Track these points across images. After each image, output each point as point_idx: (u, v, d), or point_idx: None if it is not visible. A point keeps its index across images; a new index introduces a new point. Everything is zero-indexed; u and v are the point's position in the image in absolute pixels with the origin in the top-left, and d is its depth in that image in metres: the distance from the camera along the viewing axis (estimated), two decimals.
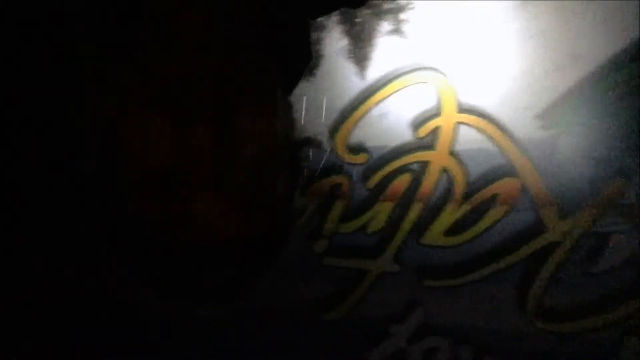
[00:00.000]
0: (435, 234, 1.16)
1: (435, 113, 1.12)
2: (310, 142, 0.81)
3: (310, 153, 1.10)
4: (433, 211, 1.16)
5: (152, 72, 0.53)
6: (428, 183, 1.15)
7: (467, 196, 1.14)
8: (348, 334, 1.17)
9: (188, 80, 0.50)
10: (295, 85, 0.64)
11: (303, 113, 1.09)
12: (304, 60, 0.67)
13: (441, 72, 1.10)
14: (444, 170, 1.14)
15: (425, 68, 1.10)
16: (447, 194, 1.15)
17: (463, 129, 1.12)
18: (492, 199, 1.14)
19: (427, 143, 1.13)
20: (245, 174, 0.52)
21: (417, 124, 1.13)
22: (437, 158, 1.13)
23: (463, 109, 1.11)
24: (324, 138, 1.13)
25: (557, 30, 1.07)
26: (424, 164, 1.14)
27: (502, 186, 1.13)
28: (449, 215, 1.15)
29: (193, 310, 1.06)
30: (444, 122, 1.12)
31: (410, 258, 1.16)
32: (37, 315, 1.12)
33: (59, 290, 1.11)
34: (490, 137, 1.12)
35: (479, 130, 1.12)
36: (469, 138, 1.12)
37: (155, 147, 0.51)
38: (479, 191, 1.14)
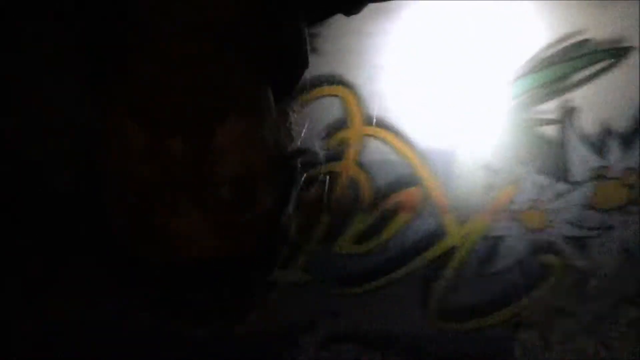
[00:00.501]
0: (345, 242, 1.19)
1: (344, 125, 1.15)
2: (305, 152, 0.80)
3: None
4: (342, 220, 1.19)
5: (132, 83, 0.50)
6: (337, 193, 1.17)
7: (374, 205, 1.19)
8: (259, 345, 1.17)
9: (169, 91, 0.48)
10: (289, 93, 0.62)
11: None
12: (297, 67, 0.65)
13: (350, 86, 1.13)
14: (352, 180, 1.17)
15: (333, 81, 1.13)
16: (355, 204, 1.18)
17: (370, 141, 1.16)
18: (397, 207, 1.19)
19: (335, 154, 1.16)
20: (229, 189, 0.50)
21: (326, 135, 1.15)
22: (345, 168, 1.16)
23: (370, 122, 1.15)
24: None
25: (461, 44, 1.14)
26: (333, 175, 1.17)
27: (406, 195, 1.19)
28: (358, 224, 1.19)
29: (184, 329, 1.04)
30: (351, 134, 1.15)
31: (321, 268, 1.19)
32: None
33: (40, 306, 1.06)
34: (395, 149, 1.16)
35: (385, 141, 1.16)
36: (376, 149, 1.17)
37: (135, 160, 0.49)
38: (385, 199, 1.19)
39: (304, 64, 0.65)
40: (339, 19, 1.11)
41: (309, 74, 1.12)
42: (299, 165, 0.57)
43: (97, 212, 0.52)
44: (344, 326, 1.20)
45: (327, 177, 1.16)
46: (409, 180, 1.18)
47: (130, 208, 0.50)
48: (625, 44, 1.18)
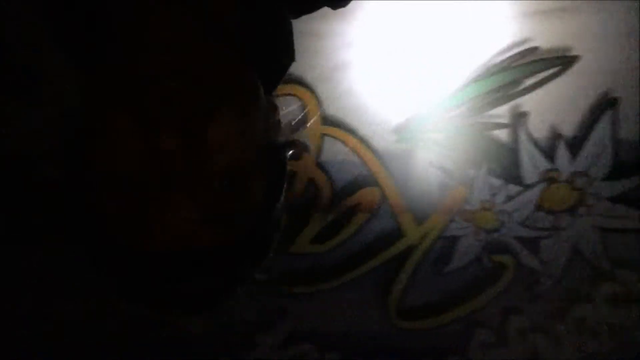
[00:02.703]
0: (302, 242, 1.25)
1: (301, 125, 1.21)
2: (294, 144, 0.83)
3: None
4: (300, 220, 1.24)
5: (119, 72, 0.54)
6: (295, 193, 1.23)
7: (332, 205, 1.25)
8: (216, 345, 1.21)
9: (158, 81, 0.52)
10: (276, 85, 0.66)
11: None
12: (283, 59, 0.68)
13: (306, 85, 1.20)
14: (310, 180, 1.23)
15: (291, 80, 1.19)
16: (313, 203, 1.24)
17: (328, 141, 1.23)
18: (355, 208, 1.26)
19: (294, 154, 1.22)
20: (221, 181, 0.53)
21: (283, 134, 1.21)
22: (303, 168, 1.23)
23: (328, 122, 1.22)
24: None
25: (414, 47, 1.22)
26: (291, 175, 1.22)
27: (364, 195, 1.26)
28: (316, 224, 1.25)
29: (173, 320, 1.05)
30: (309, 133, 1.22)
31: (279, 267, 1.24)
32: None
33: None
34: (353, 149, 1.23)
35: (343, 142, 1.23)
36: (334, 149, 1.23)
37: (127, 156, 0.52)
38: (343, 200, 1.25)
39: (290, 56, 0.70)
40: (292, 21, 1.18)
41: None
42: (289, 157, 0.60)
43: (83, 206, 0.54)
44: (302, 326, 1.25)
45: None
46: (366, 181, 1.25)
47: (123, 203, 0.52)
48: (572, 53, 1.28)
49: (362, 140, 1.23)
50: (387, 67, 1.21)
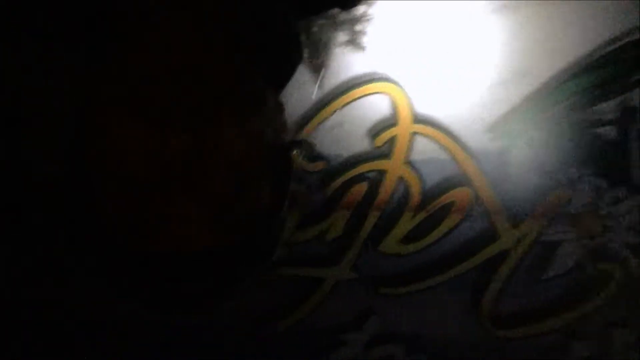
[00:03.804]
0: (391, 242, 1.24)
1: (392, 123, 1.21)
2: (301, 144, 0.85)
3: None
4: (389, 219, 1.24)
5: (127, 72, 0.55)
6: (384, 191, 1.23)
7: (422, 205, 1.23)
8: (303, 343, 1.24)
9: (165, 81, 0.52)
10: (283, 86, 0.66)
11: None
12: (292, 59, 0.69)
13: (397, 83, 1.19)
14: (400, 179, 1.23)
15: (381, 79, 1.19)
16: (403, 203, 1.24)
17: (418, 139, 1.22)
18: (446, 208, 1.24)
19: (383, 152, 1.22)
20: (224, 181, 0.54)
21: (374, 133, 1.22)
22: (393, 167, 1.22)
23: (418, 120, 1.21)
24: None
25: (507, 44, 1.18)
26: (381, 173, 1.23)
27: (456, 195, 1.23)
28: (405, 224, 1.24)
29: (169, 318, 1.10)
30: (399, 131, 1.21)
31: (367, 266, 1.24)
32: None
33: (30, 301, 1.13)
34: (444, 147, 1.22)
35: (434, 140, 1.21)
36: (424, 148, 1.22)
37: (129, 151, 0.53)
38: (434, 200, 1.23)
39: (297, 58, 0.69)
40: (385, 17, 1.18)
41: (354, 71, 1.19)
42: (297, 157, 0.60)
43: (84, 206, 0.55)
44: (389, 327, 1.25)
45: (374, 175, 1.22)
46: (458, 181, 1.23)
47: (124, 202, 0.53)
48: None
49: (455, 138, 1.21)
50: (480, 61, 1.18)
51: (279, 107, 0.63)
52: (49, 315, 1.17)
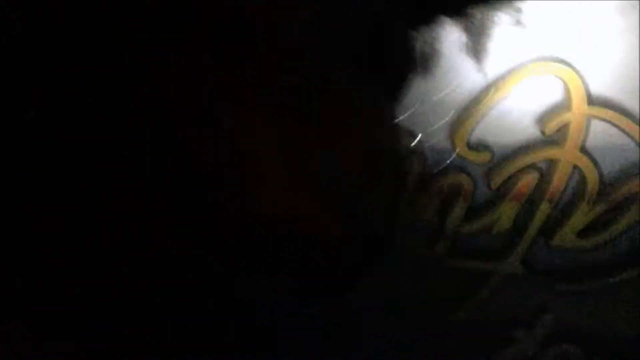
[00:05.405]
0: (567, 235, 1.19)
1: (564, 107, 1.16)
2: (415, 153, 0.88)
3: (429, 152, 1.18)
4: (564, 211, 1.19)
5: (259, 81, 0.64)
6: (557, 182, 1.18)
7: (600, 196, 1.16)
8: (473, 336, 1.23)
9: (294, 88, 0.61)
10: (400, 95, 0.72)
11: (421, 112, 1.17)
12: (405, 71, 0.75)
13: (568, 63, 1.13)
14: (575, 168, 1.17)
15: (550, 59, 1.14)
16: (578, 194, 1.17)
17: (594, 124, 1.15)
18: (630, 199, 1.15)
19: (554, 139, 1.17)
20: (342, 179, 0.62)
21: (544, 119, 1.17)
22: (566, 155, 1.17)
23: (594, 102, 1.14)
24: (443, 137, 1.21)
25: None
26: (553, 162, 1.18)
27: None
28: (582, 216, 1.18)
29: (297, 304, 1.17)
30: (573, 116, 1.16)
31: (539, 260, 1.21)
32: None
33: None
34: (626, 131, 1.13)
35: (613, 124, 1.14)
36: (602, 133, 1.15)
37: (267, 150, 0.63)
38: (615, 190, 1.16)
39: (412, 68, 0.73)
40: None
41: (520, 54, 1.15)
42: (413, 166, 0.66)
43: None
44: (565, 325, 1.20)
45: (545, 164, 1.18)
46: None
47: (268, 193, 0.63)
48: None
49: (636, 121, 1.12)
50: None
51: (392, 116, 0.70)
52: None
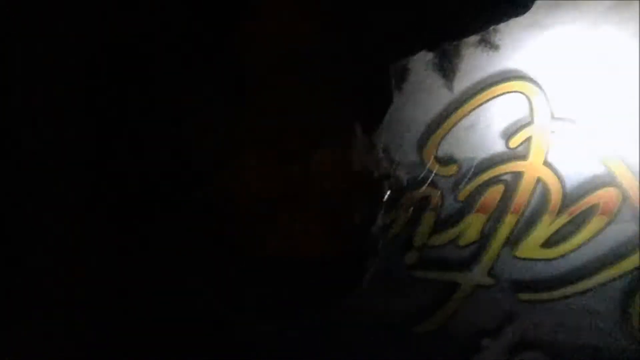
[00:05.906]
0: (531, 246, 1.23)
1: (528, 122, 1.20)
2: (390, 177, 0.93)
3: (398, 166, 1.21)
4: (528, 223, 1.23)
5: (256, 118, 0.71)
6: (522, 194, 1.23)
7: (563, 207, 1.21)
8: (439, 347, 1.26)
9: (286, 124, 0.67)
10: (378, 125, 0.78)
11: (392, 128, 1.20)
12: (382, 103, 0.82)
13: (532, 81, 1.18)
14: (539, 181, 1.21)
15: (515, 77, 1.19)
16: (542, 206, 1.22)
17: (557, 138, 1.19)
18: (591, 210, 1.20)
19: (519, 153, 1.21)
20: (324, 203, 0.68)
21: (509, 134, 1.21)
22: (530, 168, 1.21)
23: (557, 118, 1.18)
24: (412, 151, 1.23)
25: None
26: (517, 175, 1.22)
27: (602, 196, 1.19)
28: (546, 227, 1.22)
29: (257, 325, 1.17)
30: (537, 131, 1.20)
31: (505, 271, 1.24)
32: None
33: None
34: (588, 146, 1.18)
35: (575, 139, 1.18)
36: (564, 147, 1.19)
37: (259, 180, 0.69)
38: (577, 201, 1.20)
39: (389, 100, 0.81)
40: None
41: (487, 71, 1.19)
42: (386, 189, 0.73)
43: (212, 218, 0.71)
44: (531, 334, 1.23)
45: (511, 177, 1.21)
46: (604, 181, 1.19)
47: (259, 216, 0.69)
48: None
49: (599, 136, 1.17)
50: (618, 55, 1.13)
51: (372, 145, 0.77)
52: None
